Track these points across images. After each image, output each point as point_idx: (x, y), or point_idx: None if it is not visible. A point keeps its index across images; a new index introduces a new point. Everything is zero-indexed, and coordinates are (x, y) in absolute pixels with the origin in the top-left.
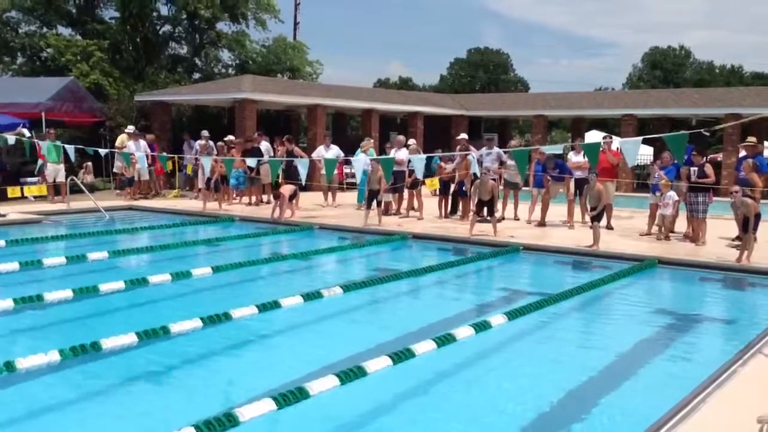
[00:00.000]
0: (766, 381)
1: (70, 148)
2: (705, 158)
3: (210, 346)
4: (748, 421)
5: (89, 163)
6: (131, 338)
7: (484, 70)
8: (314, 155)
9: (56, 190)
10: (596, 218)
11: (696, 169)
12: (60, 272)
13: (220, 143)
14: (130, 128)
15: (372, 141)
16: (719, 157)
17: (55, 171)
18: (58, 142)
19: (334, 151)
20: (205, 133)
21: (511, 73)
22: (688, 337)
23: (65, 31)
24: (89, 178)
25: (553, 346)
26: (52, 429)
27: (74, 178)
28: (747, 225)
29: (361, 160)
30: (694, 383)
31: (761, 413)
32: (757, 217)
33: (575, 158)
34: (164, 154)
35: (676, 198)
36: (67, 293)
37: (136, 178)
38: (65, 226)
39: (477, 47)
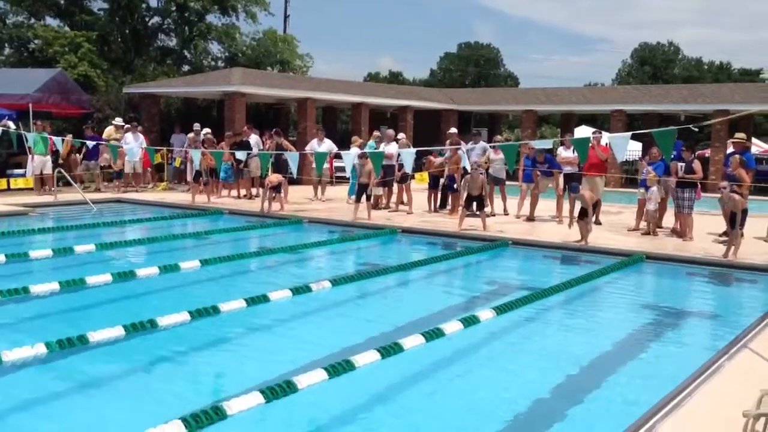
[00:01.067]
0: (752, 375)
1: (58, 140)
2: (694, 154)
3: (198, 340)
4: (734, 415)
5: (77, 155)
6: (119, 331)
7: (474, 65)
8: (307, 149)
9: (43, 182)
10: (584, 214)
11: (684, 164)
12: (46, 265)
13: (209, 136)
14: (118, 120)
15: (377, 134)
16: (707, 153)
17: (42, 163)
18: (45, 134)
19: (327, 145)
20: (196, 126)
21: (501, 68)
22: (674, 331)
23: (53, 22)
24: (77, 170)
25: (541, 340)
26: (38, 422)
27: (62, 170)
28: (734, 220)
29: (352, 154)
30: (681, 377)
31: (747, 407)
32: (744, 212)
33: (565, 153)
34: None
35: (657, 193)
36: (54, 286)
37: (126, 170)
38: (52, 219)
39: (467, 42)
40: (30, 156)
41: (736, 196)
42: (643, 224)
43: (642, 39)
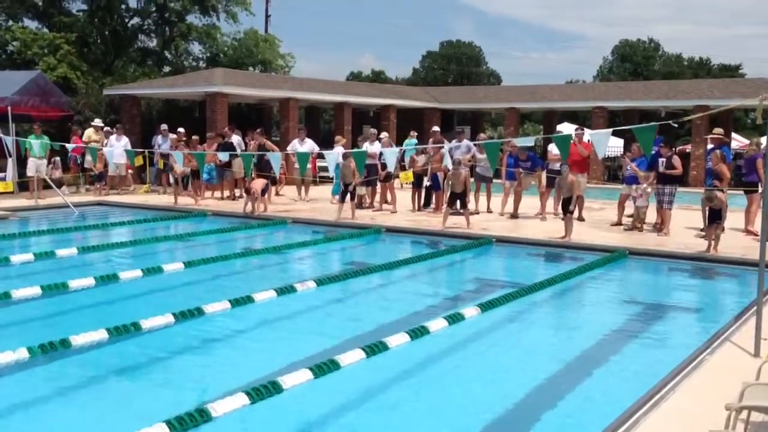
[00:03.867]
0: (734, 369)
1: (36, 143)
2: (674, 150)
3: (182, 342)
4: (717, 409)
5: (57, 158)
6: (101, 335)
7: (456, 63)
8: (289, 149)
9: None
10: (568, 210)
11: (664, 160)
12: (28, 269)
13: (194, 137)
14: (98, 122)
15: (374, 132)
16: (688, 148)
17: (37, 166)
18: (45, 137)
19: (309, 145)
20: (164, 126)
21: (483, 65)
22: (657, 326)
23: (32, 23)
24: (57, 173)
25: (526, 337)
26: (21, 427)
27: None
28: (716, 216)
29: (335, 154)
30: (664, 372)
31: (729, 401)
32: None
33: (556, 150)
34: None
35: (639, 190)
36: (36, 290)
37: (110, 173)
38: (33, 223)
39: (449, 40)
40: (10, 159)
41: (723, 195)
42: (626, 220)
43: (619, 35)
